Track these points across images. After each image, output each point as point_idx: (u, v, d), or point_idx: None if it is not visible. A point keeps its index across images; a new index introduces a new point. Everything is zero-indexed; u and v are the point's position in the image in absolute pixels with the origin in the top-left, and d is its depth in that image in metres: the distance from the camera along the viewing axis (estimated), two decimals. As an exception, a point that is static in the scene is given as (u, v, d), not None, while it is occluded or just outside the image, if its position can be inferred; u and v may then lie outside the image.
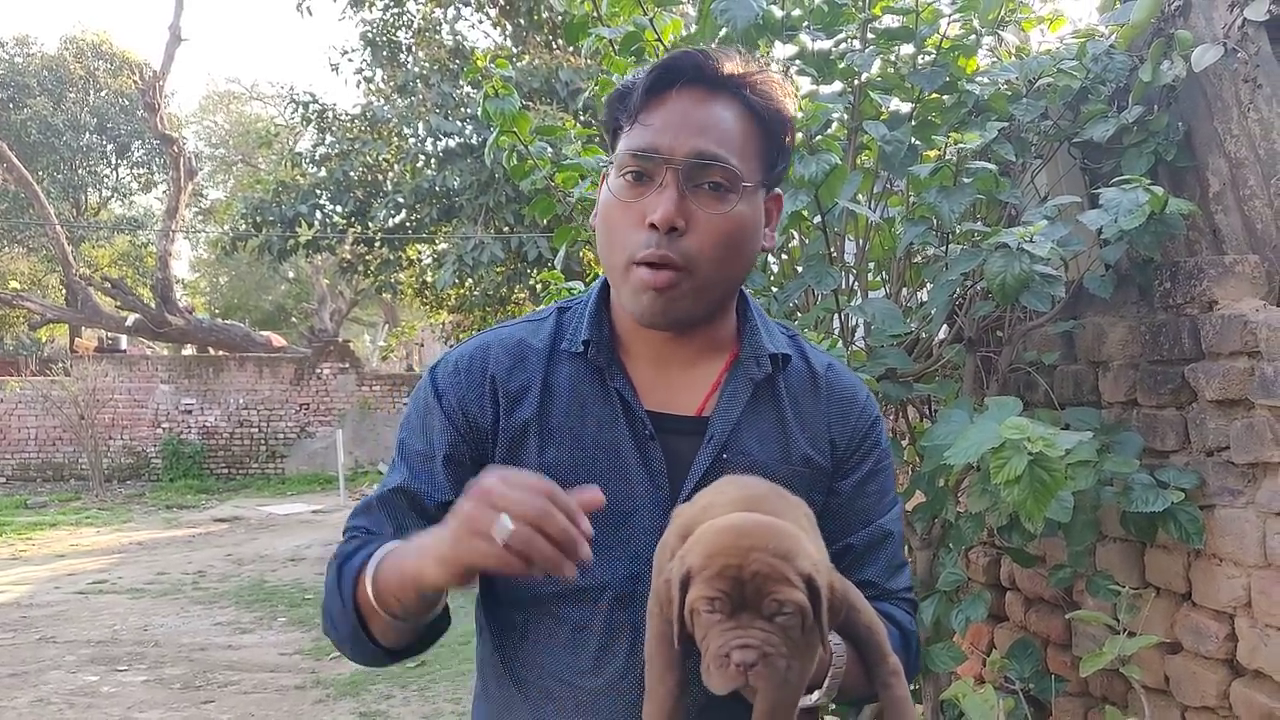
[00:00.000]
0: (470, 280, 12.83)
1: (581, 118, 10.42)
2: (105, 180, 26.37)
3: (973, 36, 2.63)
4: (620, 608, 1.13)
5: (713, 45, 2.66)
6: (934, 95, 2.60)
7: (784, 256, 2.85)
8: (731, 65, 1.15)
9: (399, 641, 1.13)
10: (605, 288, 1.25)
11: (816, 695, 1.05)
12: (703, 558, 0.92)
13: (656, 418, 1.17)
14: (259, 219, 13.89)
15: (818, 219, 2.42)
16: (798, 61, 2.68)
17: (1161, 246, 2.41)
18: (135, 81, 20.47)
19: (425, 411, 1.21)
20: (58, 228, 19.26)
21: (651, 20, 2.63)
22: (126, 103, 23.88)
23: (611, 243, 1.15)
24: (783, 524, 0.96)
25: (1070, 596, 2.65)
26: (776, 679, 0.90)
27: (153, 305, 18.61)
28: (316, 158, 14.54)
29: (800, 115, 2.41)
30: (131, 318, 18.91)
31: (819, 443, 1.21)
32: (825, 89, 2.68)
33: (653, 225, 1.10)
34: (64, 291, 19.95)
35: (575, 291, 3.13)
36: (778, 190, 1.22)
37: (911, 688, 1.15)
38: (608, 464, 1.15)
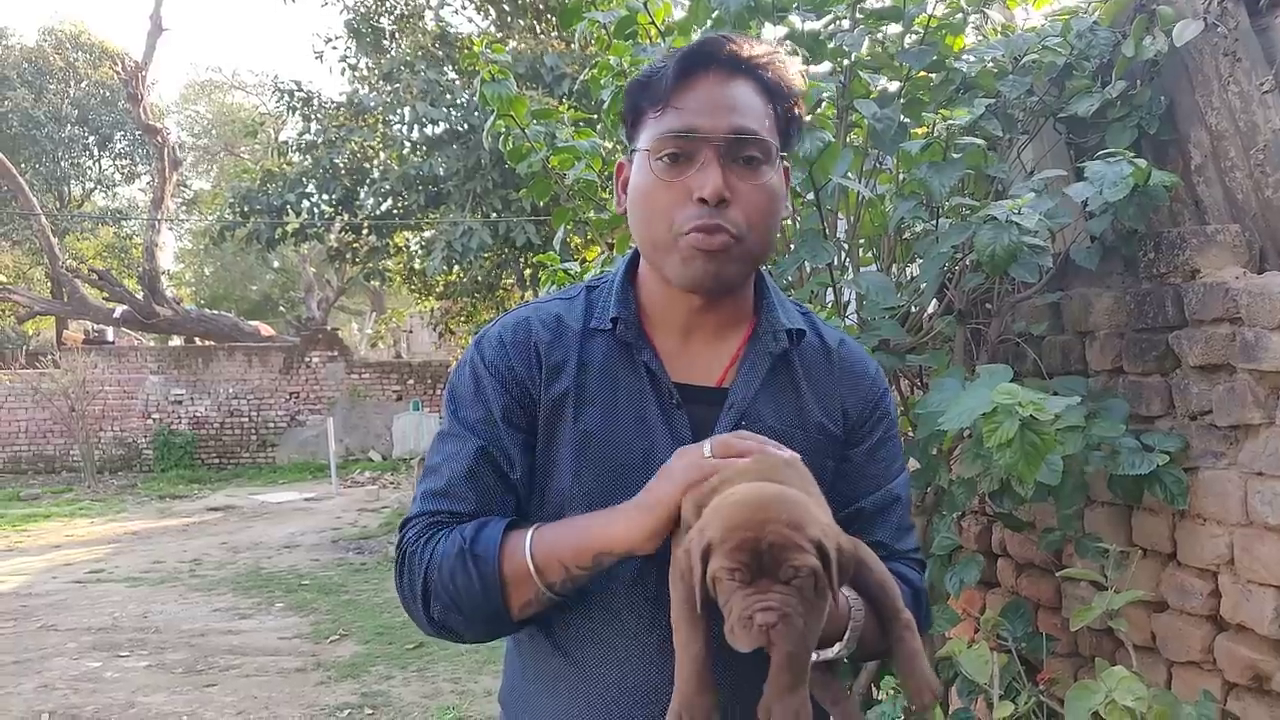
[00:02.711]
0: (459, 267, 12.84)
1: (567, 103, 10.42)
2: (88, 172, 26.19)
3: (959, 15, 2.68)
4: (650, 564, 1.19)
5: (705, 28, 2.71)
6: (922, 73, 2.66)
7: (778, 234, 2.91)
8: (749, 49, 1.22)
9: (530, 614, 1.19)
10: (629, 266, 1.32)
11: (838, 647, 1.13)
12: (722, 531, 1.00)
13: (681, 388, 1.24)
14: (246, 208, 13.86)
15: (810, 196, 2.48)
16: (788, 42, 2.73)
17: (1145, 218, 2.48)
18: (116, 72, 20.31)
19: (475, 382, 1.26)
20: (42, 220, 19.14)
21: (645, 3, 2.67)
22: (108, 93, 23.71)
23: (653, 220, 1.21)
24: (792, 493, 1.04)
25: (1060, 560, 2.73)
26: (795, 636, 0.99)
27: (140, 296, 18.53)
28: (302, 146, 14.50)
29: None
30: (119, 309, 18.83)
31: (832, 413, 1.29)
32: (815, 69, 2.73)
33: (702, 200, 1.16)
34: (50, 284, 19.83)
35: (570, 273, 3.18)
36: (786, 163, 1.29)
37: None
38: (638, 431, 1.22)
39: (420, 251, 15.04)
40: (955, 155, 2.39)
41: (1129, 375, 2.58)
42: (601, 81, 2.78)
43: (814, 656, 1.09)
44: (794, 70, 1.26)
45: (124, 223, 25.84)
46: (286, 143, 15.23)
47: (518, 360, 1.25)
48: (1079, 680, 2.02)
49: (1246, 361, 2.21)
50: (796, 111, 1.26)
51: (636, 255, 1.32)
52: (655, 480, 1.11)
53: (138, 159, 25.47)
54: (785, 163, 1.27)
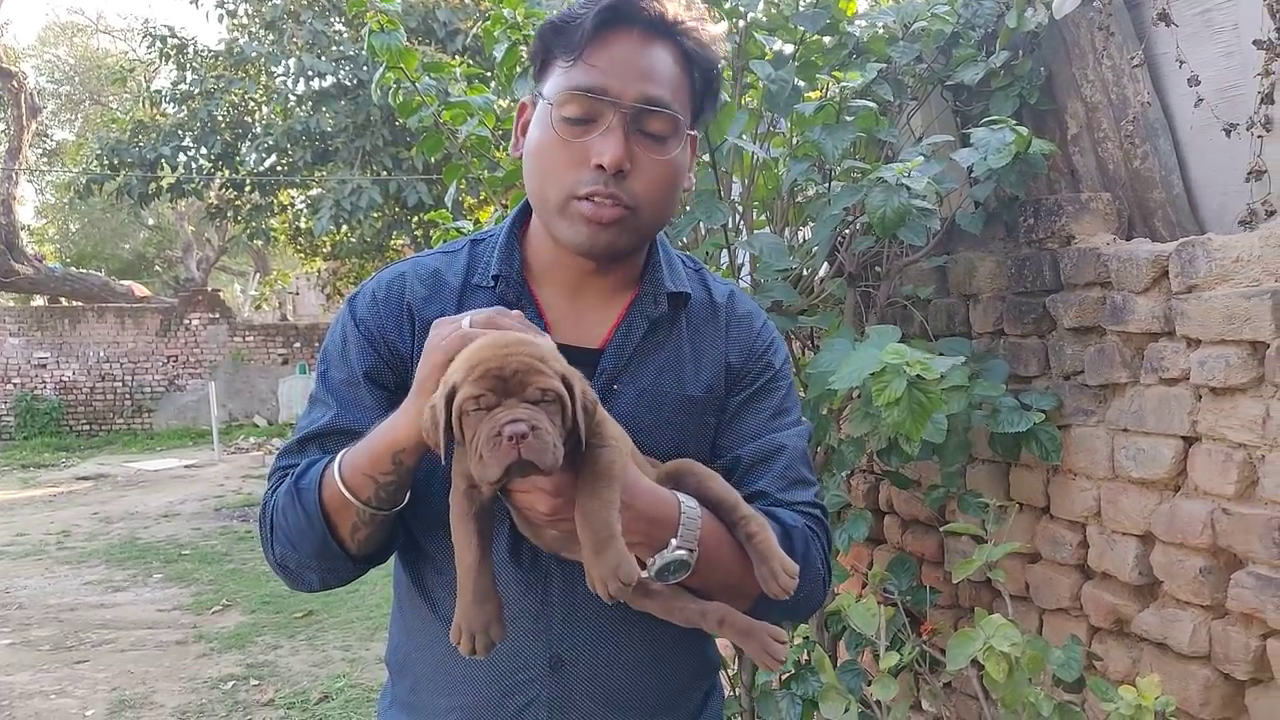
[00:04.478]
0: (347, 226, 12.46)
1: (460, 58, 10.16)
2: (-65, 118, 24.27)
3: (853, -21, 2.70)
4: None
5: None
6: (816, 37, 2.67)
7: (676, 206, 2.90)
8: (675, 9, 1.17)
9: (367, 544, 1.15)
10: (516, 222, 1.28)
11: (674, 543, 1.08)
12: (464, 369, 0.98)
13: (564, 349, 1.20)
14: (115, 161, 13.11)
15: (706, 157, 2.47)
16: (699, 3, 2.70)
17: (1025, 185, 2.57)
18: (-34, 10, 18.80)
19: (343, 340, 1.24)
20: (-117, 169, 17.68)
21: (541, -46, 2.60)
22: (-44, 33, 21.94)
23: (547, 177, 1.17)
24: (537, 339, 1.03)
25: (943, 517, 2.84)
26: (547, 451, 0.95)
27: (-3, 254, 17.36)
28: (177, 96, 13.76)
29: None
30: (-27, 267, 17.61)
31: (717, 368, 1.27)
32: (712, 29, 2.71)
33: (600, 166, 1.13)
34: (-106, 239, 18.38)
35: (463, 231, 3.11)
36: (694, 132, 1.25)
37: (801, 595, 1.18)
38: None
39: (307, 210, 14.51)
40: (848, 118, 2.43)
41: (1009, 337, 2.69)
42: (495, 35, 2.70)
43: (655, 561, 1.07)
44: (718, 37, 1.22)
45: (-22, 174, 24.10)
46: (159, 92, 14.41)
47: (388, 317, 1.23)
48: (959, 630, 2.11)
49: (1114, 324, 2.33)
50: (715, 83, 1.23)
51: (526, 209, 1.28)
52: (420, 362, 1.08)
53: (-8, 106, 23.73)
54: (693, 134, 1.24)
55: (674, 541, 1.08)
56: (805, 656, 2.49)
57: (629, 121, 1.14)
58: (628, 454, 1.08)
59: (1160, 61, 2.51)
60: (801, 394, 2.66)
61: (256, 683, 4.92)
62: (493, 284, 1.23)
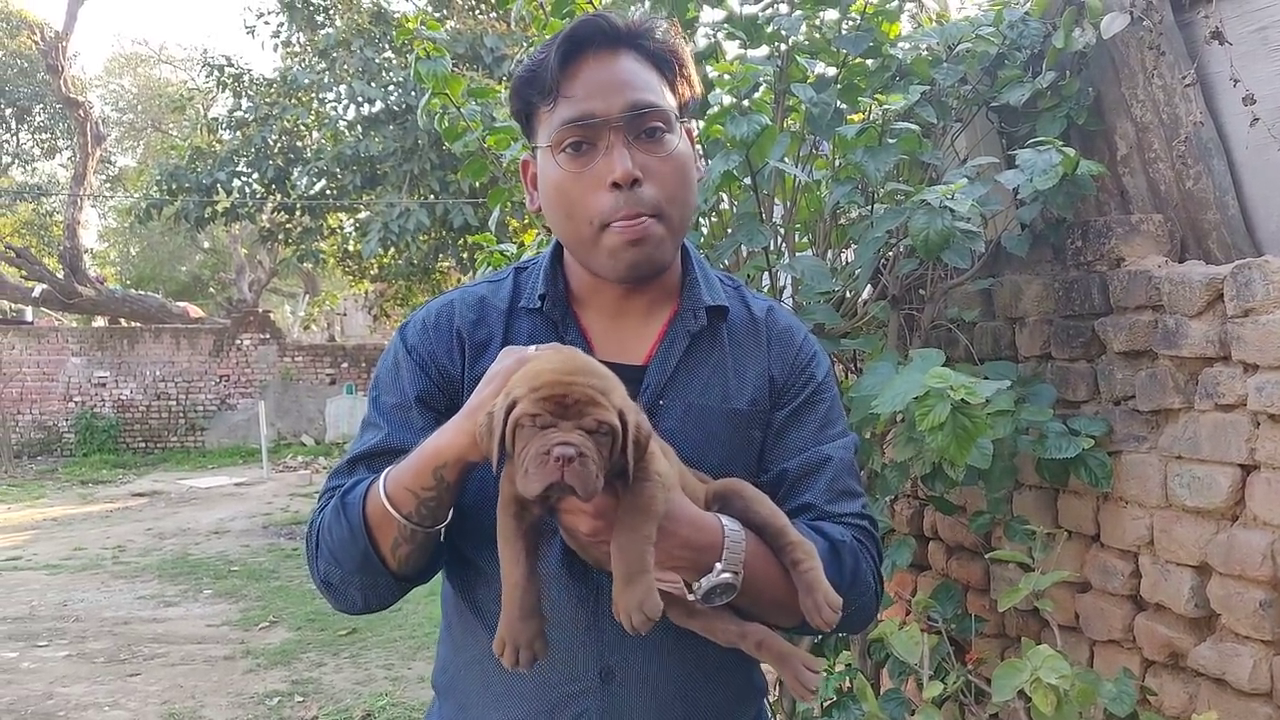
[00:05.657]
0: (395, 249, 12.64)
1: (506, 83, 10.29)
2: (5, 145, 25.11)
3: (895, 2, 2.69)
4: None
5: (642, 9, 2.68)
6: (858, 60, 2.67)
7: (714, 218, 2.90)
8: (624, 21, 1.21)
9: (408, 562, 1.16)
10: (557, 249, 1.31)
11: (719, 568, 1.09)
12: (528, 385, 1.00)
13: (608, 367, 1.21)
14: (174, 186, 13.46)
15: (747, 180, 2.47)
16: (726, 25, 2.72)
17: (1073, 206, 2.53)
18: (35, 42, 19.49)
19: (395, 367, 1.26)
20: (-45, 195, 18.34)
21: (583, -19, 2.63)
22: (26, 64, 22.71)
23: (571, 214, 1.20)
24: (603, 369, 1.05)
25: (989, 543, 2.79)
26: (588, 480, 0.97)
27: (61, 275, 17.88)
28: (233, 123, 14.11)
29: (729, 76, 2.46)
30: (39, 288, 18.13)
31: (760, 383, 1.28)
32: (753, 53, 2.73)
33: (615, 185, 1.15)
34: (-37, 262, 19.03)
35: (509, 255, 3.14)
36: (687, 122, 1.28)
37: (851, 608, 1.19)
38: None
39: (355, 233, 14.77)
40: (891, 140, 2.41)
41: (1056, 361, 2.64)
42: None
43: (700, 585, 1.09)
44: (673, 32, 1.25)
45: (44, 199, 24.87)
46: (216, 119, 14.80)
47: (438, 343, 1.25)
48: (1005, 659, 2.06)
49: (1167, 348, 2.27)
50: (685, 69, 1.26)
51: None
52: (481, 383, 1.09)
53: (58, 133, 24.46)
54: (687, 124, 1.26)
55: (718, 565, 1.09)
56: (847, 684, 2.45)
57: (625, 133, 1.17)
58: (673, 488, 1.09)
59: (1213, 80, 2.46)
60: (844, 418, 2.63)
61: (301, 699, 4.96)
62: (539, 304, 1.25)
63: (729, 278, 1.37)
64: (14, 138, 25.14)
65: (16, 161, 25.90)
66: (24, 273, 18.72)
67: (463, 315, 1.26)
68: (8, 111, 23.99)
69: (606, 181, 1.15)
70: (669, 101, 1.22)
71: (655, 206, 1.17)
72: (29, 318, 18.52)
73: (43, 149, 25.66)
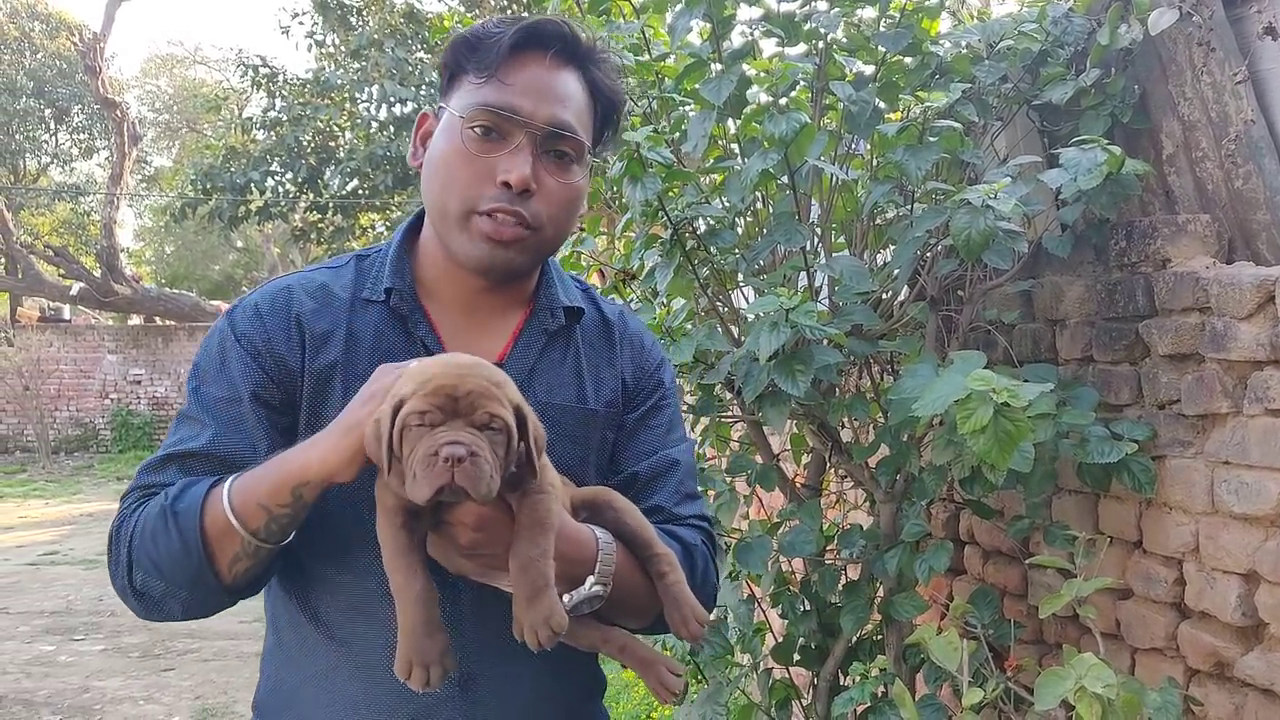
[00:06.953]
0: (426, 248, 12.71)
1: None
2: (44, 146, 25.54)
3: (935, -1, 2.66)
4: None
5: (679, 7, 2.66)
6: (897, 57, 2.64)
7: (749, 218, 2.88)
8: (586, 39, 1.20)
9: (244, 574, 1.10)
10: (405, 237, 1.27)
11: (590, 580, 1.10)
12: (416, 383, 0.96)
13: None
14: (209, 185, 13.64)
15: (785, 179, 2.45)
16: (764, 23, 2.69)
17: (1117, 206, 2.48)
18: (74, 43, 19.81)
19: (222, 355, 1.18)
20: (-4, 194, 18.68)
21: (620, -21, 2.62)
22: (65, 65, 23.10)
23: (449, 190, 1.17)
24: (495, 369, 1.02)
25: (1027, 548, 2.74)
26: (482, 481, 0.92)
27: (98, 274, 18.16)
28: (266, 123, 14.26)
29: (767, 74, 2.44)
30: (76, 287, 18.44)
31: (613, 384, 1.29)
32: (791, 51, 2.70)
33: (506, 184, 1.14)
34: (3, 260, 19.37)
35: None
36: (595, 160, 1.28)
37: (714, 616, 1.25)
38: None
39: (387, 233, 14.87)
40: (931, 139, 2.38)
41: (1099, 364, 2.59)
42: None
43: (572, 597, 1.09)
44: (620, 74, 1.27)
45: (81, 199, 25.28)
46: (250, 119, 14.97)
47: (274, 331, 1.18)
48: (1045, 667, 2.02)
49: (1215, 351, 2.22)
50: (616, 114, 1.26)
51: (414, 225, 1.28)
52: (354, 400, 1.05)
53: (96, 133, 24.86)
54: (593, 162, 1.26)
55: (591, 579, 1.11)
56: (883, 689, 2.42)
57: (538, 143, 1.16)
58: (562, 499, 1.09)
59: (1266, 78, 2.41)
60: (881, 420, 2.60)
61: (332, 697, 5.00)
62: (384, 298, 1.21)
63: (578, 279, 1.37)
64: (53, 138, 25.58)
65: (55, 161, 26.35)
66: (62, 271, 19.04)
67: (302, 302, 1.20)
68: (47, 112, 24.41)
69: (499, 177, 1.14)
70: (589, 134, 1.21)
71: (536, 220, 1.16)
72: (66, 316, 18.82)
73: (80, 149, 26.10)
